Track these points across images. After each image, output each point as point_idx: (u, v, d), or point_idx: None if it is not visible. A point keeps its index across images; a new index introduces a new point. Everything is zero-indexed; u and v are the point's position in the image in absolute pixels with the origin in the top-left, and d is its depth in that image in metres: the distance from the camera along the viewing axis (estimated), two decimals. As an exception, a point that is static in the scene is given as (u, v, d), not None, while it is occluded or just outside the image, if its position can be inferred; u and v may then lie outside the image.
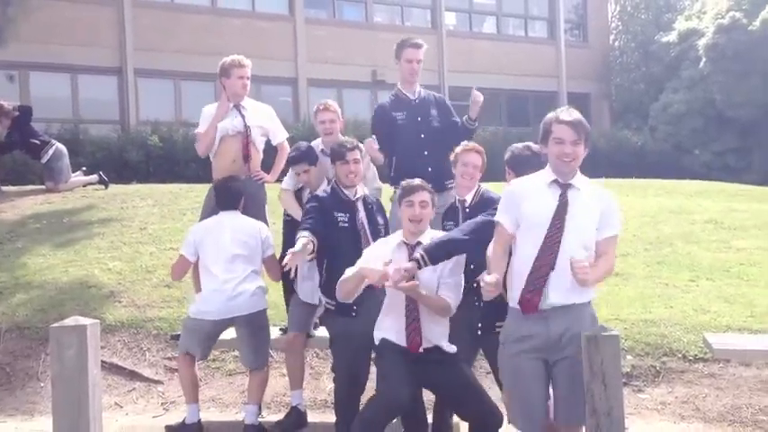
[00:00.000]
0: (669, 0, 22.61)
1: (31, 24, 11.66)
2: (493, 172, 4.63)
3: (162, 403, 5.41)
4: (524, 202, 3.43)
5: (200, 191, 9.46)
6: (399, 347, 3.88)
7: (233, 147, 5.25)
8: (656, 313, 6.01)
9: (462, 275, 3.98)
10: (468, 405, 3.90)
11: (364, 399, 4.18)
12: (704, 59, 18.57)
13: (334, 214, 4.33)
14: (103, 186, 10.51)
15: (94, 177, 10.65)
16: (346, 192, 4.41)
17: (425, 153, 5.13)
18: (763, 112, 18.15)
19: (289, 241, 4.65)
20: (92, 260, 7.39)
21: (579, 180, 3.47)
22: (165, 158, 13.28)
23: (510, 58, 19.84)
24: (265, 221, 5.17)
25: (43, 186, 10.43)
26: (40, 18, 12.63)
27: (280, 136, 5.53)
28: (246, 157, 5.26)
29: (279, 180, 5.40)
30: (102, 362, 4.95)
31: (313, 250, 4.14)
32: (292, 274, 4.31)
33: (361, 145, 4.64)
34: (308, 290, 4.74)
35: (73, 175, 10.54)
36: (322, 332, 4.85)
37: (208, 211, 5.15)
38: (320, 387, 5.47)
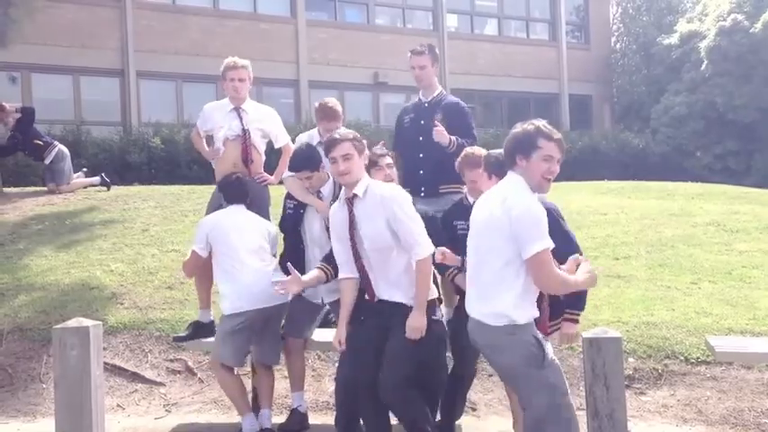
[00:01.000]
0: (671, 2, 22.56)
1: (34, 26, 11.65)
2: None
3: (164, 405, 5.40)
4: None
5: (202, 193, 9.48)
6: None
7: (233, 151, 5.23)
8: (657, 316, 6.00)
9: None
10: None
11: None
12: (706, 62, 18.55)
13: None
14: (105, 188, 10.54)
15: (96, 179, 10.68)
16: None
17: (420, 156, 5.20)
18: (764, 115, 18.15)
19: (290, 231, 4.65)
20: (94, 262, 7.40)
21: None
22: (166, 160, 13.27)
23: (511, 60, 19.85)
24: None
25: (45, 188, 10.46)
26: (43, 20, 12.63)
27: (281, 139, 5.49)
28: (247, 161, 5.23)
29: (281, 182, 5.37)
30: (104, 363, 4.95)
31: (327, 279, 4.20)
32: (289, 297, 4.38)
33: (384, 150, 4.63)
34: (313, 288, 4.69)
35: (74, 176, 10.57)
36: (322, 335, 4.81)
37: (214, 208, 5.09)
38: (322, 389, 5.46)
